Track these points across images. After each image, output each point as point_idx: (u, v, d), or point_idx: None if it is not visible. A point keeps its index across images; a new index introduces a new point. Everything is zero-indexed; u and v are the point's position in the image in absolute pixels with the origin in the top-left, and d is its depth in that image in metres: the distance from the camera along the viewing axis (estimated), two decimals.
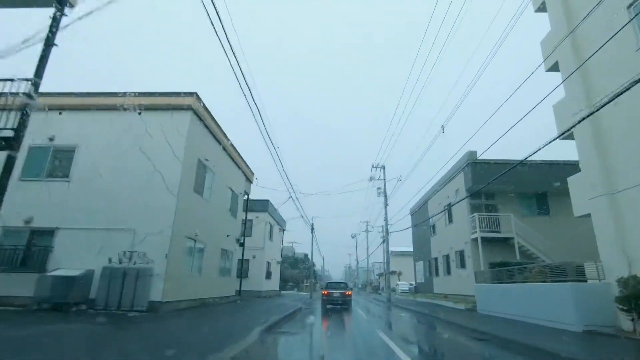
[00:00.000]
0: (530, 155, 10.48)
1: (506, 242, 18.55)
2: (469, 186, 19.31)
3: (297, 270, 57.29)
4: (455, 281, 21.48)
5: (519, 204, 19.88)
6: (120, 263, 10.13)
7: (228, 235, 16.00)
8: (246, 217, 20.11)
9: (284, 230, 32.42)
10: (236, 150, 16.58)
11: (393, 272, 45.33)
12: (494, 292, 14.50)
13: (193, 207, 12.15)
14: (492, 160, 19.06)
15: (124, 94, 11.93)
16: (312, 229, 30.95)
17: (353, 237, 63.92)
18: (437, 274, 25.74)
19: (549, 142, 9.73)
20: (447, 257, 23.33)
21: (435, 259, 26.01)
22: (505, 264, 15.50)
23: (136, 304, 9.63)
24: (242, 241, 18.27)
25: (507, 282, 14.00)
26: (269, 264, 26.12)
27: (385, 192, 28.78)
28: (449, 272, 22.98)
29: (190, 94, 11.81)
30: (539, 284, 11.67)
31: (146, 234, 10.44)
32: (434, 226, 26.72)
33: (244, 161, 18.28)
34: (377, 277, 66.35)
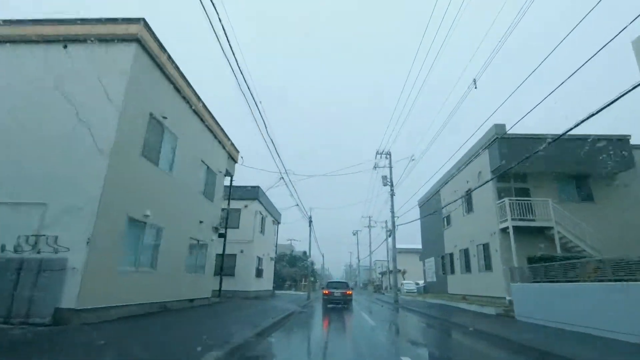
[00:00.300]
0: (590, 117, 7.40)
1: (542, 232, 15.32)
2: (497, 166, 16.02)
3: (295, 268, 53.95)
4: (478, 280, 18.24)
5: (555, 187, 16.65)
6: (18, 252, 6.87)
7: (201, 222, 12.73)
8: (229, 203, 16.85)
9: (278, 223, 29.13)
10: (211, 115, 13.29)
11: (398, 271, 42.12)
12: (539, 294, 11.36)
13: (141, 178, 8.90)
14: (524, 134, 15.79)
15: (43, 22, 8.69)
16: (310, 221, 27.73)
17: (354, 234, 60.98)
18: (452, 271, 22.48)
19: (629, 91, 6.56)
20: (465, 252, 20.07)
21: (450, 255, 22.76)
22: (550, 258, 12.30)
23: (34, 312, 6.37)
24: (221, 230, 14.97)
25: (556, 282, 10.86)
26: (259, 259, 22.85)
27: (391, 181, 25.71)
28: (468, 269, 19.73)
29: (136, 20, 8.55)
30: (614, 283, 8.49)
31: (61, 210, 7.19)
32: (448, 217, 23.45)
33: (225, 133, 15.00)
34: (380, 275, 63.18)
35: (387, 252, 45.19)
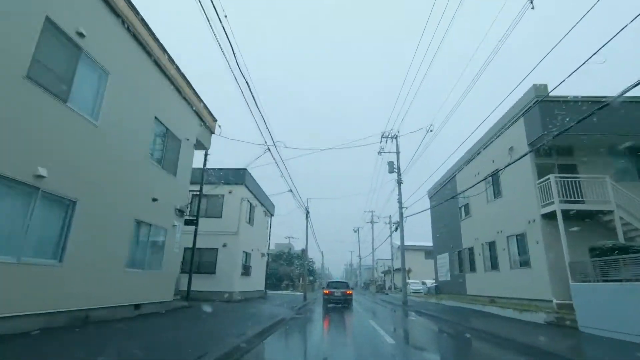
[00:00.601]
0: None
1: (594, 218, 12.12)
2: (537, 136, 12.82)
3: (293, 267, 50.75)
4: (509, 279, 15.00)
5: (608, 163, 13.45)
6: None
7: (155, 200, 9.47)
8: (202, 183, 13.53)
9: (271, 215, 25.86)
10: (172, 61, 10.02)
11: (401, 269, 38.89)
12: (613, 298, 8.25)
13: (28, 113, 5.65)
14: (570, 97, 12.60)
15: None
16: (307, 212, 24.53)
17: (355, 231, 57.90)
18: (472, 269, 19.23)
19: None
20: (491, 245, 16.85)
21: (470, 250, 19.52)
22: (625, 248, 9.11)
23: None
24: (186, 212, 11.67)
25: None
26: (247, 255, 19.58)
27: (398, 167, 22.69)
28: (494, 266, 16.51)
29: None
30: None
31: None
32: (466, 206, 20.24)
33: (194, 92, 11.75)
34: (382, 275, 60.01)
35: (391, 248, 42.01)
